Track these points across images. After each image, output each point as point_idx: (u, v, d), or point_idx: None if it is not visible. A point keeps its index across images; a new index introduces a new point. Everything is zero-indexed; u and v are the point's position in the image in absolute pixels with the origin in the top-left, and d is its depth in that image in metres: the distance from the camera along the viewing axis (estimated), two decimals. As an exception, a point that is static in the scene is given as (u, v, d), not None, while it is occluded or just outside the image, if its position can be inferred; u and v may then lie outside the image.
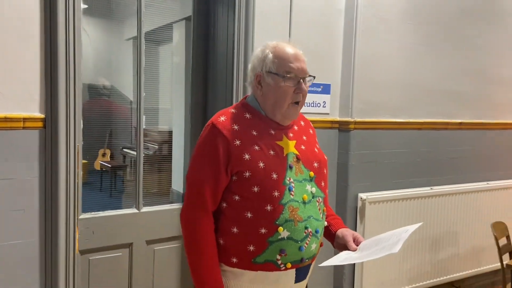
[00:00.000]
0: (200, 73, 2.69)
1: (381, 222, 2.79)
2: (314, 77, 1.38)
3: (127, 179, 4.12)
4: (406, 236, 1.23)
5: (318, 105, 2.73)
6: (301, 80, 1.32)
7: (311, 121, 1.60)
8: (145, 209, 2.40)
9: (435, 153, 3.17)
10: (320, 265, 1.30)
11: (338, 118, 2.83)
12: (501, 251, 2.60)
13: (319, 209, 1.35)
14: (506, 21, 3.46)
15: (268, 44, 1.37)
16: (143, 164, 2.38)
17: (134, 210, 2.39)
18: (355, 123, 2.76)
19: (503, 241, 2.72)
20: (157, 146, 3.91)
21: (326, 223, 1.42)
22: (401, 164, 2.99)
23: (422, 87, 3.07)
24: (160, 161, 3.68)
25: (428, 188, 3.09)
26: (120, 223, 2.30)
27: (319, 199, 1.35)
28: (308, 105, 2.66)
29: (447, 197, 3.16)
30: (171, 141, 3.56)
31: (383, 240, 1.29)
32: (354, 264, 2.76)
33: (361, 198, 2.76)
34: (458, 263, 3.24)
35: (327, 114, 2.79)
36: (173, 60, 3.57)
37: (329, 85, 2.76)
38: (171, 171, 3.44)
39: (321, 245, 1.40)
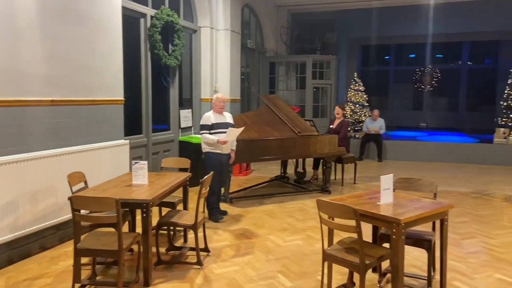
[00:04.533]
0: None
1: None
2: None
3: None
4: None
5: None
6: None
7: None
8: None
9: (28, 126, 3.89)
10: None
11: None
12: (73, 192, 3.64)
13: None
14: (83, 22, 4.53)
15: None
16: None
17: None
18: None
19: (81, 185, 3.81)
20: None
21: None
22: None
23: (17, 71, 3.70)
24: None
25: (26, 154, 3.80)
26: None
27: None
28: None
29: (46, 159, 3.99)
30: None
31: None
32: None
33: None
34: (58, 210, 4.16)
35: None
36: None
37: None
38: None
39: None
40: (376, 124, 10.10)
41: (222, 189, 5.58)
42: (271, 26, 10.93)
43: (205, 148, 5.06)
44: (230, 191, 6.23)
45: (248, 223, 5.02)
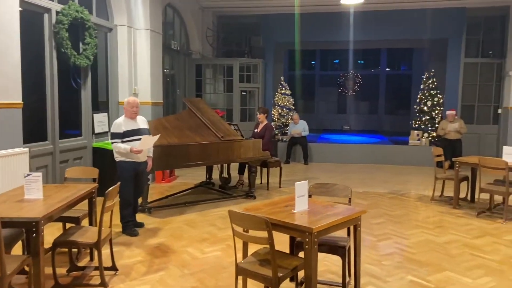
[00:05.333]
0: None
1: None
2: None
3: None
4: None
5: None
6: None
7: None
8: None
9: None
10: None
11: None
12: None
13: None
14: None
15: None
16: None
17: None
18: None
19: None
20: None
21: None
22: None
23: None
24: None
25: None
26: None
27: None
28: None
29: None
30: None
31: None
32: None
33: None
34: None
35: None
36: None
37: None
38: None
39: None
40: (298, 127, 10.24)
41: (140, 199, 5.21)
42: (196, 27, 10.65)
43: (117, 157, 4.66)
44: (150, 199, 5.87)
45: (166, 235, 4.72)
